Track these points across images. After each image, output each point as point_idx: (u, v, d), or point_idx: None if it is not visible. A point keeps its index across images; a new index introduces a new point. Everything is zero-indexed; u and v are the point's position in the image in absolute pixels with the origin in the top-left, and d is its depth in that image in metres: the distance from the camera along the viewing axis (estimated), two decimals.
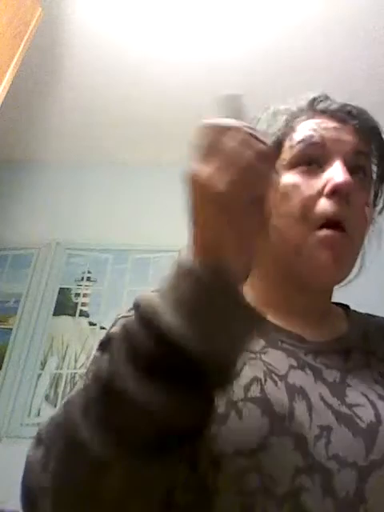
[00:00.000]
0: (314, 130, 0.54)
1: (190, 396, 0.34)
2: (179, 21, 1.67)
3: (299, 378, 0.48)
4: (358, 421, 0.45)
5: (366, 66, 1.78)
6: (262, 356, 0.50)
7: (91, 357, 0.50)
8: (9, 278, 2.01)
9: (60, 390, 1.75)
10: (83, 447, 0.35)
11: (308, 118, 0.56)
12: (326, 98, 0.58)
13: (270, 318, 0.54)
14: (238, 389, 0.45)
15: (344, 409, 0.46)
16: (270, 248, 0.54)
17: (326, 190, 0.51)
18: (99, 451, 0.34)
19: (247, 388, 0.46)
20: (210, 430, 0.41)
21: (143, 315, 0.35)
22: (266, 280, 0.57)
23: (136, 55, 1.80)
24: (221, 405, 0.43)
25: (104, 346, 0.53)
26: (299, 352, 0.51)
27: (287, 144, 0.55)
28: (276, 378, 0.47)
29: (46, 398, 1.74)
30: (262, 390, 0.45)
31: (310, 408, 0.45)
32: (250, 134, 0.37)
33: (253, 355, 0.49)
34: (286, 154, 0.55)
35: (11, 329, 1.88)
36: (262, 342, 0.51)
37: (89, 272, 2.04)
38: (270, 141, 0.47)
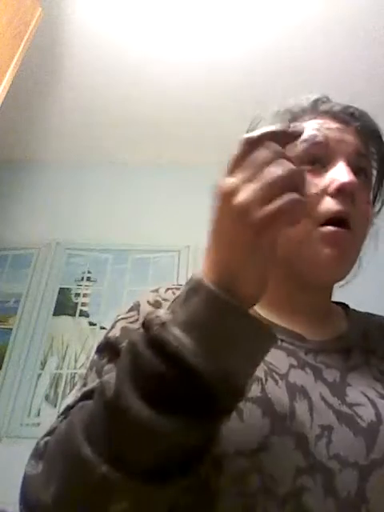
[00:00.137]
0: (318, 130, 0.54)
1: (198, 418, 0.34)
2: (179, 21, 1.67)
3: (299, 377, 0.48)
4: (359, 420, 0.45)
5: (366, 66, 1.78)
6: None
7: (89, 360, 0.50)
8: (9, 277, 2.01)
9: (60, 390, 1.75)
10: (86, 466, 0.35)
11: (311, 119, 0.56)
12: (328, 99, 0.59)
13: (270, 316, 0.54)
14: None
15: (345, 408, 0.46)
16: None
17: (332, 189, 0.51)
18: (104, 471, 0.34)
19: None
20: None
21: (152, 335, 0.35)
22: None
23: (136, 55, 1.80)
24: None
25: (102, 349, 0.53)
26: (299, 351, 0.51)
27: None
28: (277, 377, 0.47)
29: (46, 398, 1.74)
30: (263, 389, 0.45)
31: (310, 407, 0.45)
32: (282, 151, 0.36)
33: None
34: (289, 154, 0.55)
35: (11, 329, 1.88)
36: None
37: (89, 272, 2.04)
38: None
